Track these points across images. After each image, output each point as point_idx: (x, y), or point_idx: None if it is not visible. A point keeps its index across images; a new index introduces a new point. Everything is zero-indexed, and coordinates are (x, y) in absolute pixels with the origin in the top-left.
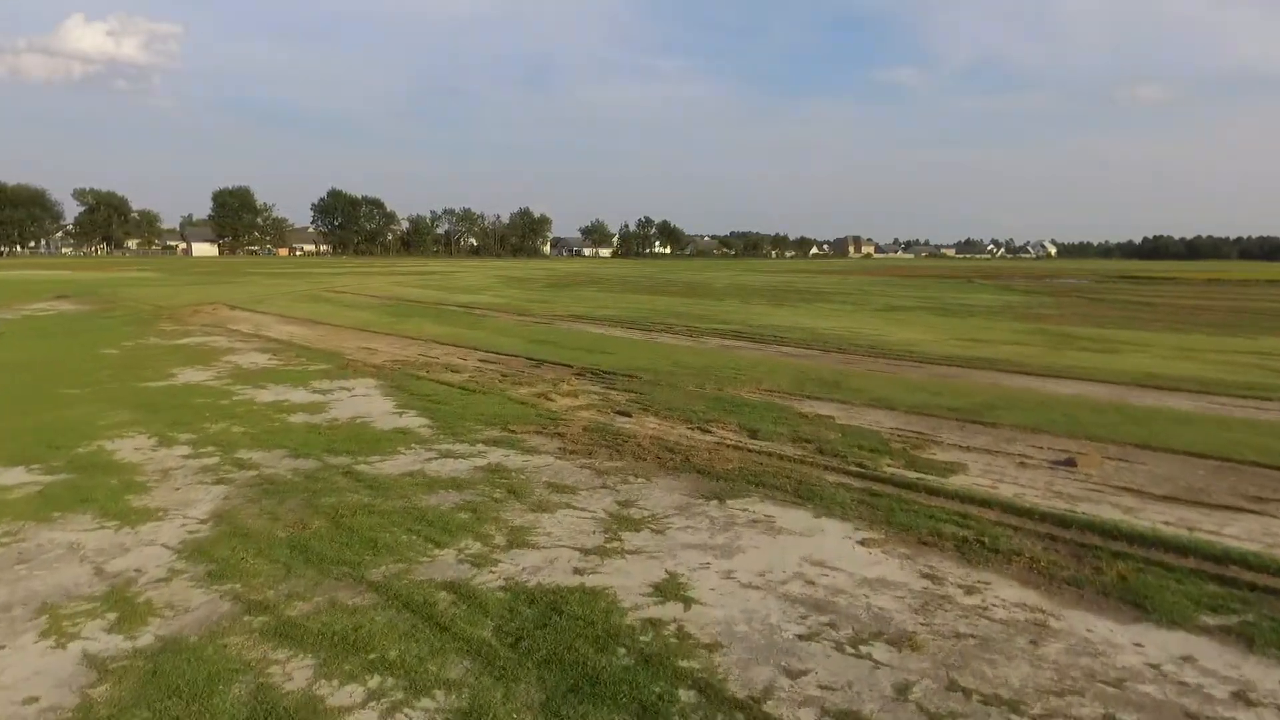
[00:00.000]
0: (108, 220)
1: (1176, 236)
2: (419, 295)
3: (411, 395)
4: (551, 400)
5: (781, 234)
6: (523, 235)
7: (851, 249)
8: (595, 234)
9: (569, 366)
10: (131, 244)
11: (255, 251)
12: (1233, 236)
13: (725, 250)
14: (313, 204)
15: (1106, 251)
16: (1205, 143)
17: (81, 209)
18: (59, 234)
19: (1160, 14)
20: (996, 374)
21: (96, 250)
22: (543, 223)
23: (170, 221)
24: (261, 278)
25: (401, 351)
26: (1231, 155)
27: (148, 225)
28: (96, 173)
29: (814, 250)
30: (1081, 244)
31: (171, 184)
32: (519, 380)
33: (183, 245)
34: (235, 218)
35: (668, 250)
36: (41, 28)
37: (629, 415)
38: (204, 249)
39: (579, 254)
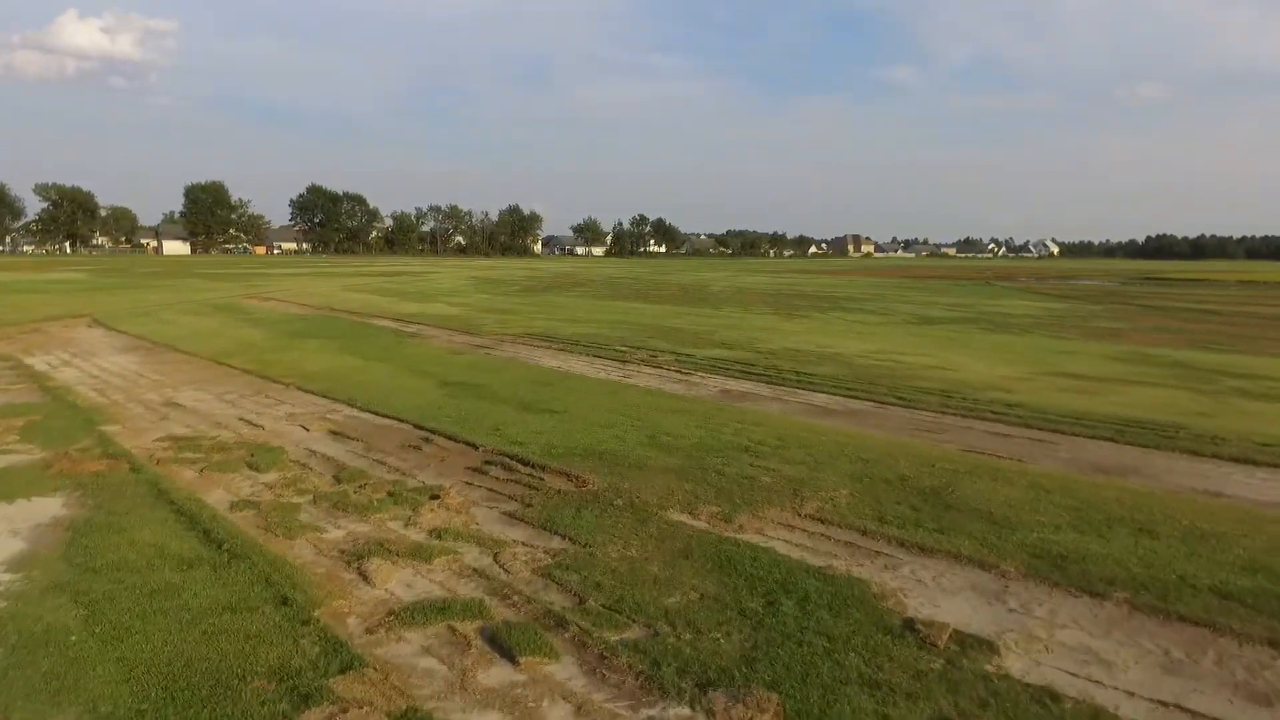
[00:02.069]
0: (72, 217)
1: (1179, 236)
2: (359, 304)
3: (44, 572)
4: (369, 579)
5: (780, 233)
6: (512, 233)
7: (851, 248)
8: (588, 232)
9: (472, 448)
10: (106, 242)
11: (230, 250)
12: (1236, 236)
13: (722, 249)
14: (291, 200)
15: (1109, 251)
16: (1204, 142)
17: (44, 205)
18: (20, 231)
19: (1159, 13)
20: (1191, 461)
21: (61, 249)
22: (533, 220)
23: (154, 219)
24: (200, 280)
25: (224, 411)
26: (1230, 155)
27: (114, 222)
28: (88, 170)
29: (813, 249)
30: (1083, 243)
31: (161, 181)
32: (352, 496)
33: (153, 244)
34: (208, 214)
35: (663, 249)
36: (36, 24)
37: (513, 659)
38: (175, 247)
39: (571, 253)
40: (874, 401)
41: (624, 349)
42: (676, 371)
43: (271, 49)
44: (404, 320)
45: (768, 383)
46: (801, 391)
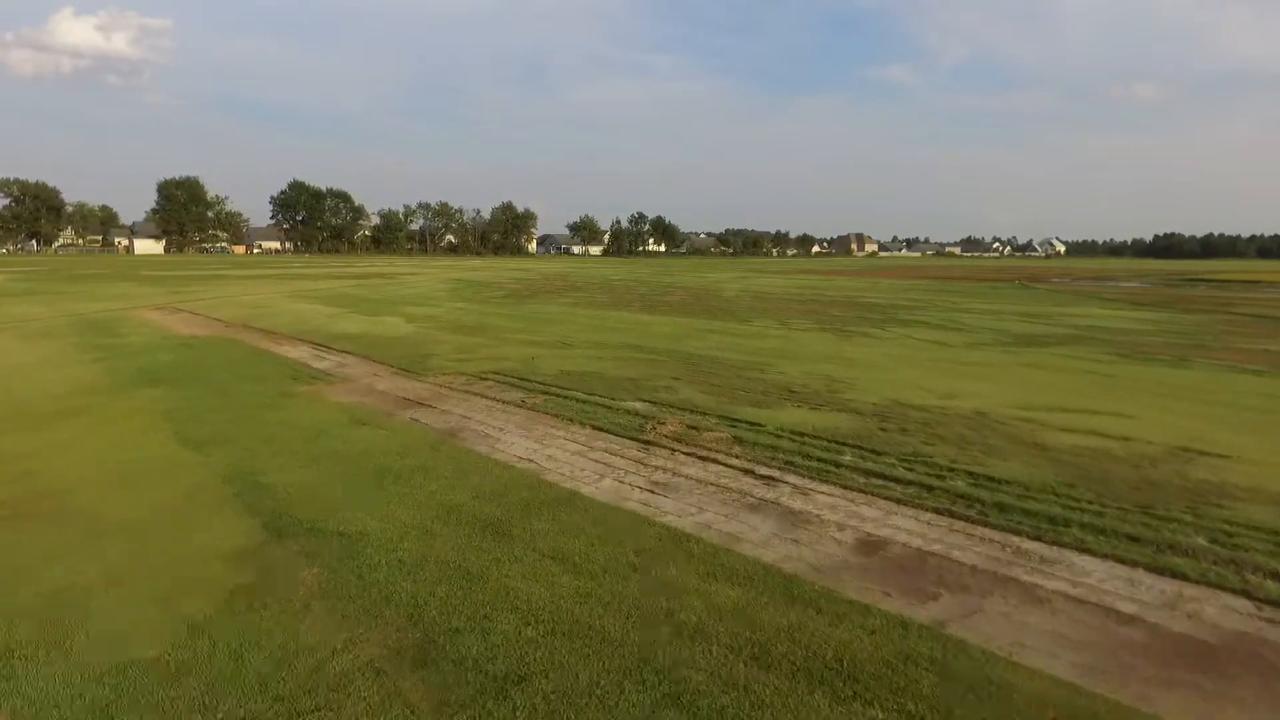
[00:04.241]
0: (35, 214)
1: (1186, 234)
2: (287, 319)
3: None
4: None
5: (783, 231)
6: (505, 232)
7: (854, 247)
8: (585, 230)
9: None
10: (78, 240)
11: (208, 249)
12: (1244, 234)
13: (723, 248)
14: (272, 197)
15: (1115, 249)
16: (1203, 141)
17: (6, 201)
18: None
19: (1156, 13)
20: None
21: (25, 247)
22: (527, 218)
23: (139, 217)
24: (128, 285)
25: None
26: (1230, 154)
27: (82, 219)
28: (77, 169)
29: (816, 248)
30: (1088, 242)
31: (150, 179)
32: None
33: (124, 242)
34: (183, 211)
35: (662, 248)
36: (32, 21)
37: None
38: (148, 246)
39: (568, 252)
40: (1242, 596)
41: (641, 407)
42: (745, 471)
43: (267, 48)
44: (328, 346)
45: (938, 509)
46: (1037, 548)
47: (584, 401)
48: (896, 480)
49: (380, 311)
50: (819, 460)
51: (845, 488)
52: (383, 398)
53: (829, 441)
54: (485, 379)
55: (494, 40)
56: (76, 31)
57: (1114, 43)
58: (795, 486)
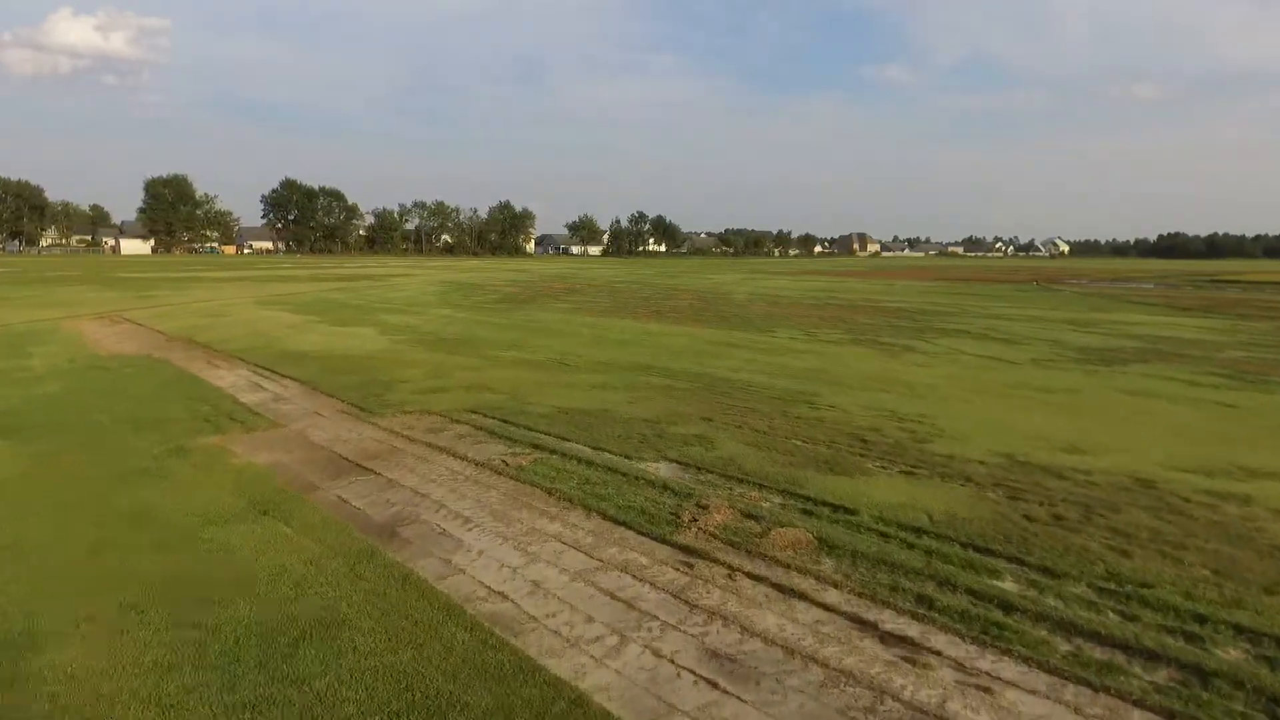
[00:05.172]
0: (17, 213)
1: (1190, 234)
2: (242, 330)
3: None
4: None
5: (785, 231)
6: (503, 232)
7: (856, 247)
8: (583, 230)
9: None
10: (63, 240)
11: (197, 249)
12: (1249, 234)
13: (725, 248)
14: (263, 196)
15: (1118, 249)
16: (1203, 141)
17: None
18: None
19: (1155, 11)
20: None
21: (6, 246)
22: (525, 218)
23: (130, 216)
24: (88, 288)
25: None
26: (1231, 154)
27: (65, 218)
28: (73, 169)
29: (818, 248)
30: (1090, 242)
31: (145, 179)
32: None
33: (111, 242)
34: (170, 210)
35: (663, 248)
36: (30, 20)
37: None
38: (135, 246)
39: (566, 252)
40: None
41: (669, 474)
42: (857, 622)
43: (266, 47)
44: (272, 369)
45: None
46: None
47: (589, 462)
48: (1120, 646)
49: (354, 320)
50: (970, 595)
51: (1048, 670)
52: (312, 455)
53: (964, 547)
54: (458, 421)
55: (492, 40)
56: (75, 31)
57: (1112, 43)
58: (957, 665)
